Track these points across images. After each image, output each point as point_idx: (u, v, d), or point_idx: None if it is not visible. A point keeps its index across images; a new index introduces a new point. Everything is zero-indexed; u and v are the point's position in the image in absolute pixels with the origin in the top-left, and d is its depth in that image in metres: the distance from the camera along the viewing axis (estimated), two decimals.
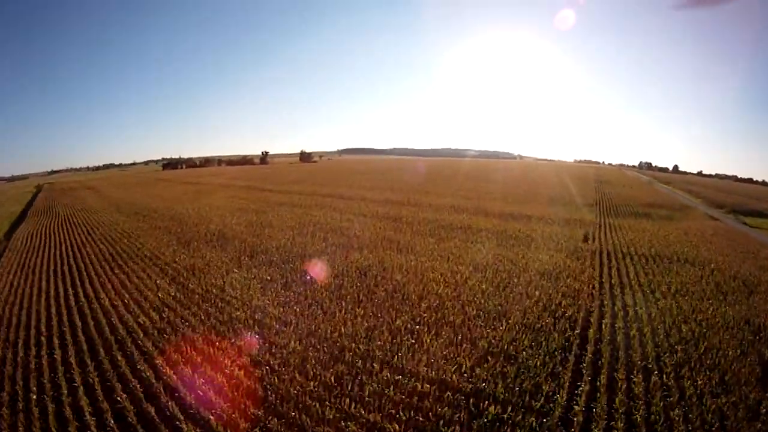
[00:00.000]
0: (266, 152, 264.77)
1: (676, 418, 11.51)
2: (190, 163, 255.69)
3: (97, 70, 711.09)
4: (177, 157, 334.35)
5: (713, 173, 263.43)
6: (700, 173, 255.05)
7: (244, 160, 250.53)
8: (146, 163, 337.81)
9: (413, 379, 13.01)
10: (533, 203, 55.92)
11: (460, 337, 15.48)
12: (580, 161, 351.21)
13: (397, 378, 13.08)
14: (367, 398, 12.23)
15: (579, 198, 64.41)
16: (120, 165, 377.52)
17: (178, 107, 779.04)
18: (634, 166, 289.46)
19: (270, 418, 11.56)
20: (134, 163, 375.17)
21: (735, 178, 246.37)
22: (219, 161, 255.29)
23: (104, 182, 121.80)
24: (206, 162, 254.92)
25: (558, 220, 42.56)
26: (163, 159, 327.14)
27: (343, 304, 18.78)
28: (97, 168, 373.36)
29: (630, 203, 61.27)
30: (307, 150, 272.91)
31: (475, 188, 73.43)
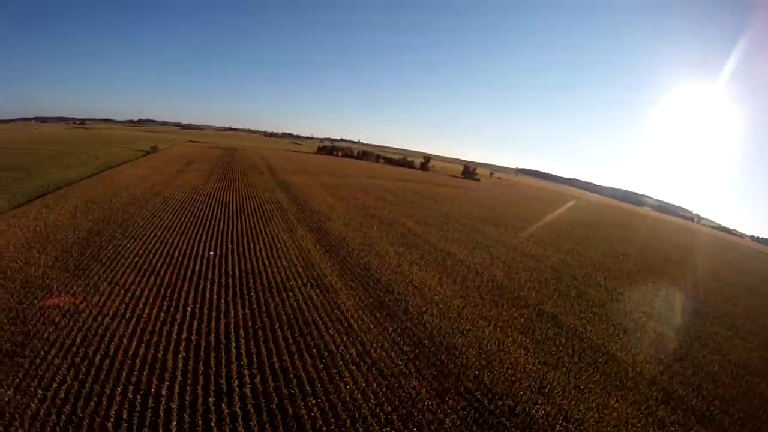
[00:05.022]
0: (429, 157, 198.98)
1: None
2: (347, 150, 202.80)
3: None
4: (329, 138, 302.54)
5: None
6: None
7: (404, 161, 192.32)
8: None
9: None
10: None
11: None
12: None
13: None
14: None
15: None
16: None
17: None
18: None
19: None
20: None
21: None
22: (377, 157, 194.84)
23: None
24: (364, 154, 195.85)
25: None
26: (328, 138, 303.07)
27: None
28: None
29: None
30: (475, 160, 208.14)
31: None
